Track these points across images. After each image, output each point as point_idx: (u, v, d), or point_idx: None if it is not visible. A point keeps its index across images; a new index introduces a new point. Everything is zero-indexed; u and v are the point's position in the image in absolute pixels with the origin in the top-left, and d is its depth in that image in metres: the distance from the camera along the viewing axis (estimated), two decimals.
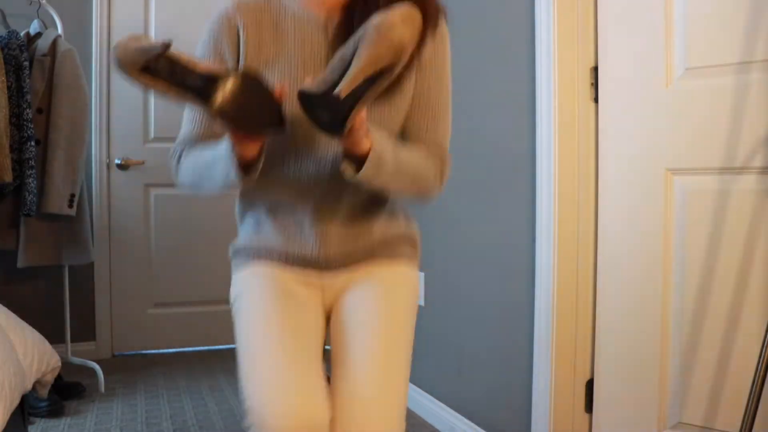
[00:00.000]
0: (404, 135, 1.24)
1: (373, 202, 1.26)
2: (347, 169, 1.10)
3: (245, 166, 1.09)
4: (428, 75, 1.23)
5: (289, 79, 1.18)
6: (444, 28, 1.24)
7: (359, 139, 1.06)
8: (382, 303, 1.23)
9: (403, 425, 1.16)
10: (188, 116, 1.26)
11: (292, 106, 1.09)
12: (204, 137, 1.23)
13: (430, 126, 1.24)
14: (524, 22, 1.94)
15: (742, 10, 1.48)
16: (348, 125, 0.99)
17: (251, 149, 1.07)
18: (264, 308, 1.19)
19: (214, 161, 1.14)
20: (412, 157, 1.19)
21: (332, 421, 1.11)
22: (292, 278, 1.27)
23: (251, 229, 1.32)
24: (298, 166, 1.21)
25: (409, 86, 1.21)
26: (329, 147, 1.18)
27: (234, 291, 1.29)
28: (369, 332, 1.18)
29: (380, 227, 1.29)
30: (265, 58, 1.20)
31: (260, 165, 1.10)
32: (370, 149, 1.07)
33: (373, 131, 1.09)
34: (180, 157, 1.26)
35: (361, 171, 1.08)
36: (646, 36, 1.68)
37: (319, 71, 1.13)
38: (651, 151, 1.68)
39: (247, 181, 1.11)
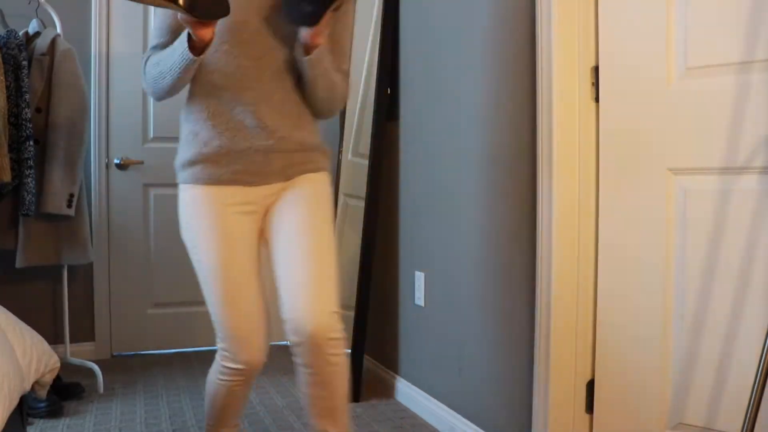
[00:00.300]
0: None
1: (300, 100, 1.61)
2: (300, 51, 1.50)
3: (201, 49, 1.43)
4: (340, 26, 1.62)
5: None
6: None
7: (322, 30, 1.46)
8: (312, 211, 1.59)
9: (337, 300, 1.54)
10: (156, 28, 1.59)
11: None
12: (168, 44, 1.53)
13: (341, 59, 1.65)
14: (525, 22, 1.93)
15: (743, 9, 1.48)
16: (326, 17, 1.42)
17: (207, 33, 1.39)
18: (214, 265, 1.53)
19: (173, 50, 1.47)
20: (333, 71, 1.60)
21: (284, 305, 1.53)
22: (231, 204, 1.57)
23: (192, 139, 1.58)
24: (243, 62, 1.53)
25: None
26: (270, 46, 1.54)
27: (183, 219, 1.60)
28: (306, 236, 1.56)
29: (305, 127, 1.63)
30: None
31: (211, 44, 1.44)
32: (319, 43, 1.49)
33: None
34: (148, 58, 1.58)
35: (313, 54, 1.49)
36: (647, 35, 1.67)
37: None
38: (652, 151, 1.67)
39: (197, 57, 1.44)
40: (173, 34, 1.54)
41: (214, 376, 1.62)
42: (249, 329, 1.54)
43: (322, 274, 1.53)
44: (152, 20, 3.38)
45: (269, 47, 1.54)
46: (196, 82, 1.57)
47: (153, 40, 1.59)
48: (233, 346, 1.54)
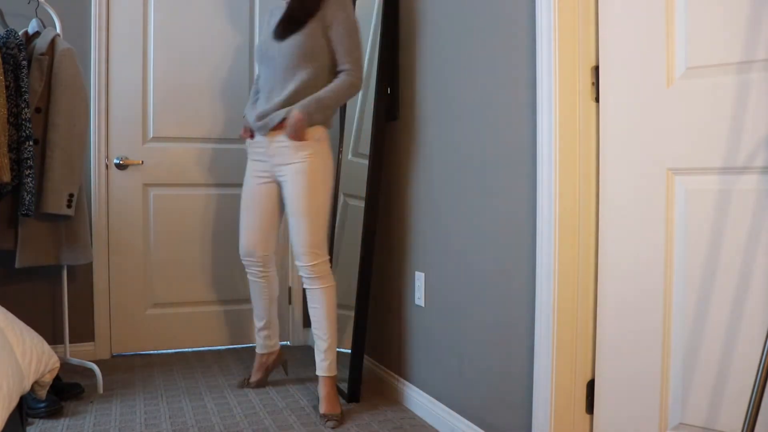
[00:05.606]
0: (337, 58, 2.52)
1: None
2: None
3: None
4: (337, 27, 2.47)
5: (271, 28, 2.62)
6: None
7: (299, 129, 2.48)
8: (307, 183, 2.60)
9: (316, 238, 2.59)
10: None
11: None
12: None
13: (346, 54, 2.49)
14: (525, 21, 1.93)
15: (743, 9, 1.48)
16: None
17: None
18: (246, 204, 2.71)
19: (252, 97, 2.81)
20: (329, 92, 2.47)
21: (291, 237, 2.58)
22: (257, 168, 2.67)
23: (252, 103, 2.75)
24: (272, 77, 2.58)
25: (311, 32, 2.47)
26: (285, 72, 2.52)
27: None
28: (298, 202, 2.53)
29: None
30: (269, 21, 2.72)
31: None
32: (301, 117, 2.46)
33: (297, 107, 2.45)
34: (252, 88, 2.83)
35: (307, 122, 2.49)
36: (647, 35, 1.67)
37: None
38: (652, 151, 1.67)
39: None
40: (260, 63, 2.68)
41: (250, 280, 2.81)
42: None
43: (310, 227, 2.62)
44: (152, 23, 3.38)
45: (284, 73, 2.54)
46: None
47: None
48: (243, 241, 2.77)
